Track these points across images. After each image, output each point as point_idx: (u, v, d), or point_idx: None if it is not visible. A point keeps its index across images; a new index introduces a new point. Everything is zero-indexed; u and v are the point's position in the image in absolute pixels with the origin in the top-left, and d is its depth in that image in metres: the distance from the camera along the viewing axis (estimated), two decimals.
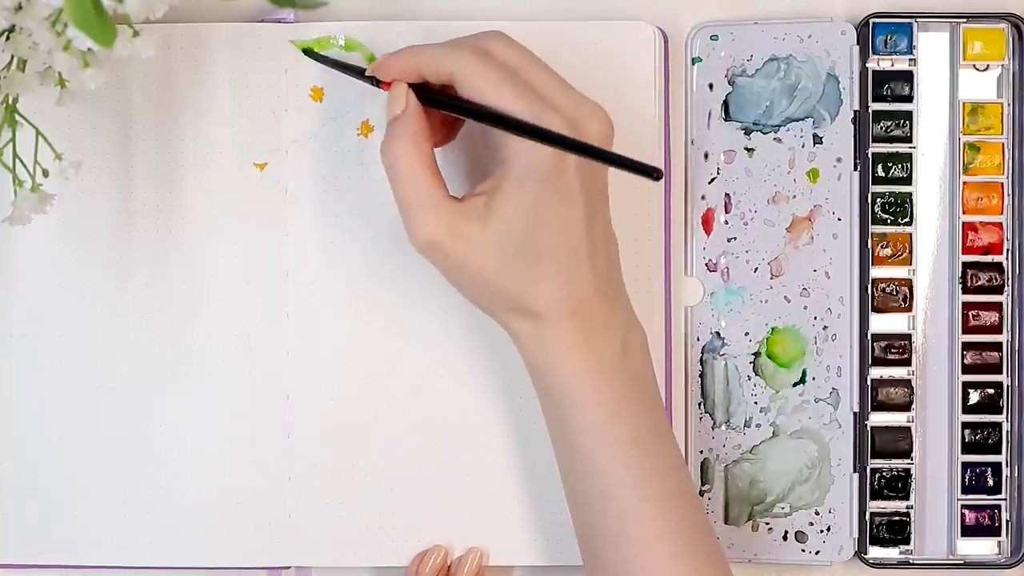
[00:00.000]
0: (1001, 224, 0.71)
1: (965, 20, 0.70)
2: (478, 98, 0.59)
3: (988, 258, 0.71)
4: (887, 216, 0.70)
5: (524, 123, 0.58)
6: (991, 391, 0.70)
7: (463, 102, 0.60)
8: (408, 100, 0.61)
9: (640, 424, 0.61)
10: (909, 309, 0.71)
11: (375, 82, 0.63)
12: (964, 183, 0.71)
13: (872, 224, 0.70)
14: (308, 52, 0.68)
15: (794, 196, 0.70)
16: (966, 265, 0.71)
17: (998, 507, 0.71)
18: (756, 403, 0.71)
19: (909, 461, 0.71)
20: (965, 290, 0.70)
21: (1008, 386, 0.71)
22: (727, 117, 0.70)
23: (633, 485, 0.60)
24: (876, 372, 0.71)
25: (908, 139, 0.70)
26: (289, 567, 0.70)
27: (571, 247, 0.60)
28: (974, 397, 0.71)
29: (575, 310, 0.60)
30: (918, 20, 0.70)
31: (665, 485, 0.61)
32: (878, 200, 0.70)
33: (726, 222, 0.70)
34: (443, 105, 0.61)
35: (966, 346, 0.71)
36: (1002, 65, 0.71)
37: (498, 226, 0.59)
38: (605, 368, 0.61)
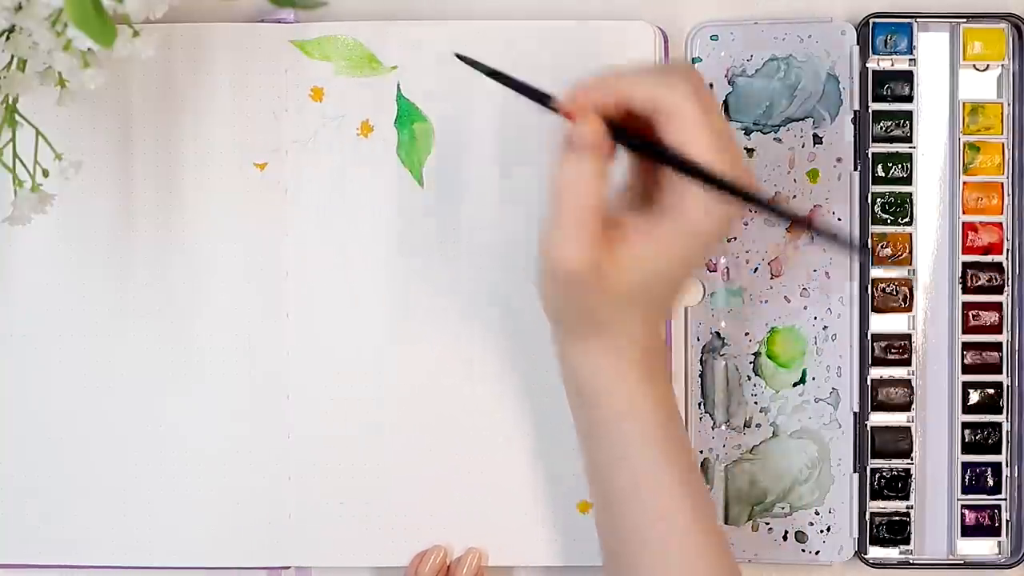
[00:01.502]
0: (1001, 224, 0.71)
1: (965, 20, 0.70)
2: (677, 141, 0.56)
3: (988, 258, 0.71)
4: (887, 216, 0.70)
5: (733, 185, 0.56)
6: (991, 391, 0.70)
7: (668, 153, 0.57)
8: (602, 137, 0.57)
9: (689, 452, 0.61)
10: (909, 309, 0.71)
11: (544, 103, 0.59)
12: (964, 183, 0.71)
13: (872, 224, 0.70)
14: (477, 65, 0.61)
15: (794, 196, 0.70)
16: (966, 265, 0.71)
17: (998, 507, 0.71)
18: (756, 403, 0.71)
19: (909, 461, 0.71)
20: (965, 290, 0.70)
21: (1008, 386, 0.71)
22: (727, 117, 0.70)
23: (685, 511, 0.60)
24: (876, 372, 0.71)
25: (908, 139, 0.70)
26: (289, 567, 0.70)
27: (675, 297, 0.61)
28: (974, 397, 0.71)
29: (651, 343, 0.60)
30: (918, 20, 0.70)
31: (710, 521, 0.60)
32: (878, 200, 0.70)
33: None
34: (640, 149, 0.58)
35: (966, 346, 0.71)
36: (1002, 65, 0.71)
37: (642, 273, 0.58)
38: (663, 391, 0.61)
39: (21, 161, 0.61)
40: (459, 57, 0.60)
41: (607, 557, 0.63)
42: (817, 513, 0.70)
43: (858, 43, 0.70)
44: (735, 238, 0.70)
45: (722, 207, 0.57)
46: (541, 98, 0.59)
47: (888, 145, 0.70)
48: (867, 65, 0.70)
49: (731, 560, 0.61)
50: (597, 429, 0.61)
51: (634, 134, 0.58)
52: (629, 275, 0.58)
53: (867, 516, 0.70)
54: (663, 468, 0.60)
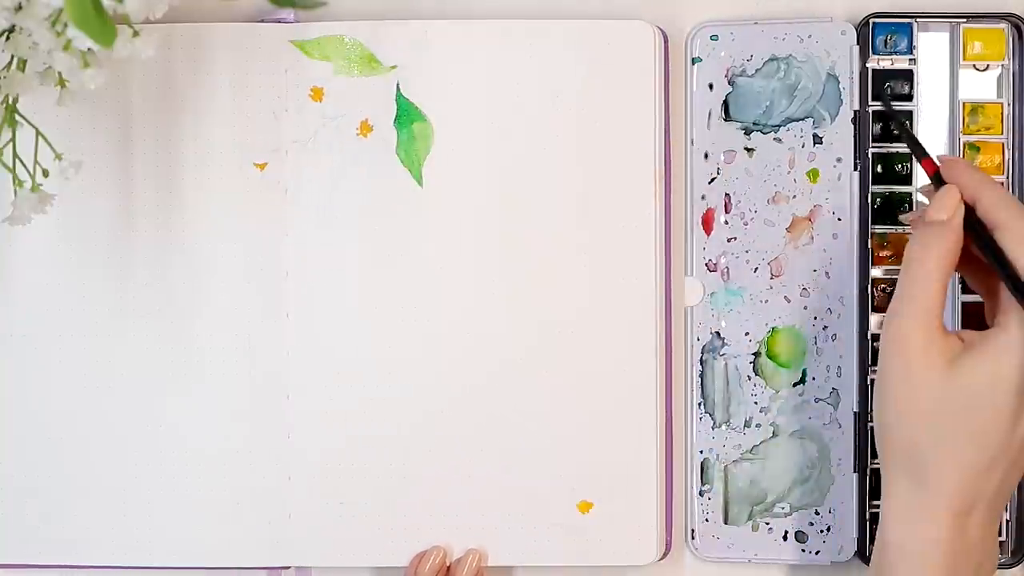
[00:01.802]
0: None
1: (965, 20, 0.70)
2: (1013, 253, 0.57)
3: None
4: (887, 216, 0.70)
5: None
6: None
7: (1002, 253, 0.57)
8: (958, 212, 0.58)
9: None
10: None
11: (921, 159, 0.60)
12: None
13: (872, 224, 0.70)
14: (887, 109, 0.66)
15: (794, 196, 0.70)
16: None
17: None
18: (756, 403, 0.71)
19: None
20: (965, 290, 0.70)
21: None
22: (727, 117, 0.70)
23: None
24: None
25: None
26: (289, 567, 0.70)
27: (1002, 442, 0.57)
28: None
29: (964, 509, 0.58)
30: (918, 20, 0.70)
31: None
32: (878, 200, 0.70)
33: (726, 222, 0.70)
34: (986, 246, 0.58)
35: None
36: (1002, 65, 0.71)
37: (958, 377, 0.57)
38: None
39: (21, 161, 0.61)
40: (900, 127, 0.63)
41: None
42: (817, 513, 0.70)
43: (858, 43, 0.70)
44: (735, 238, 0.70)
45: None
46: (920, 154, 0.60)
47: (888, 145, 0.70)
48: (867, 65, 0.70)
49: None
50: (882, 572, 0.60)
51: (985, 229, 0.58)
52: (955, 383, 0.57)
53: (867, 516, 0.70)
54: None
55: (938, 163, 0.60)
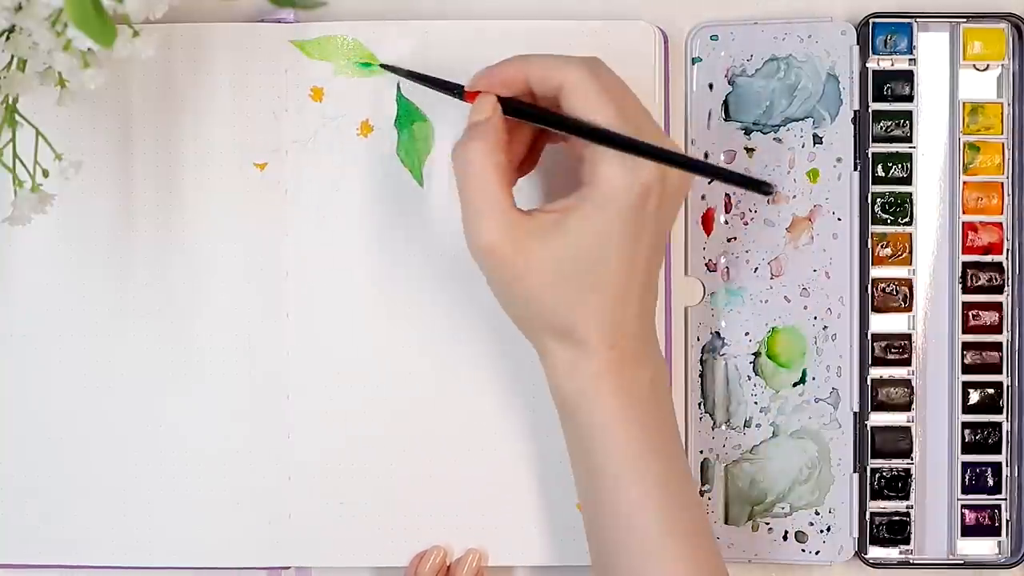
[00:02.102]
0: (1001, 224, 0.71)
1: (965, 20, 0.70)
2: (582, 113, 0.58)
3: (988, 258, 0.71)
4: (887, 216, 0.70)
5: (634, 140, 0.57)
6: (991, 391, 0.70)
7: (566, 116, 0.59)
8: (494, 110, 0.60)
9: (666, 461, 0.61)
10: (909, 309, 0.71)
11: (454, 93, 0.63)
12: (964, 183, 0.71)
13: (872, 224, 0.70)
14: (385, 67, 0.68)
15: (794, 196, 0.70)
16: (966, 265, 0.71)
17: (998, 507, 0.71)
18: (756, 403, 0.71)
19: (909, 461, 0.71)
20: (965, 290, 0.70)
21: (1008, 386, 0.71)
22: (727, 117, 0.70)
23: (658, 521, 0.60)
24: (876, 372, 0.71)
25: (908, 139, 0.70)
26: (289, 567, 0.70)
27: (628, 281, 0.60)
28: (974, 397, 0.71)
29: (616, 342, 0.60)
30: (918, 20, 0.70)
31: (688, 524, 0.61)
32: (878, 200, 0.70)
33: (726, 222, 0.70)
34: (540, 119, 0.61)
35: (966, 346, 0.71)
36: (1002, 65, 0.71)
37: (563, 245, 0.59)
38: (636, 402, 0.60)
39: (21, 161, 0.61)
40: (383, 66, 0.67)
41: (592, 555, 0.64)
42: (817, 513, 0.70)
43: (858, 43, 0.70)
44: (735, 238, 0.70)
45: (630, 170, 0.58)
46: (452, 89, 0.63)
47: (888, 145, 0.70)
48: (867, 65, 0.70)
49: (717, 561, 0.61)
50: (570, 438, 0.62)
51: (531, 105, 0.60)
52: (561, 253, 0.58)
53: (867, 516, 0.70)
54: (634, 483, 0.60)
55: (476, 87, 0.61)
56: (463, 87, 0.62)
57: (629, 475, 0.60)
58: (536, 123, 0.62)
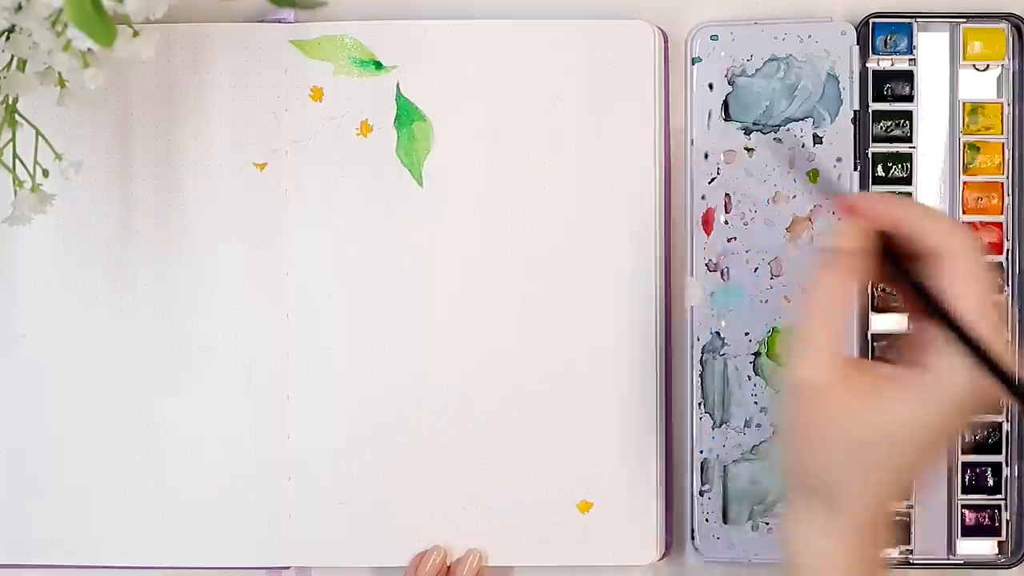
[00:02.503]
0: (1001, 224, 0.70)
1: (965, 20, 0.70)
2: (950, 287, 0.54)
3: (988, 258, 0.71)
4: None
5: (998, 367, 0.53)
6: None
7: (928, 288, 0.54)
8: (867, 242, 0.56)
9: None
10: None
11: (827, 195, 0.59)
12: (964, 183, 0.70)
13: None
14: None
15: (794, 196, 0.70)
16: None
17: (998, 507, 0.71)
18: (756, 403, 0.70)
19: None
20: None
21: None
22: (727, 117, 0.70)
23: None
24: None
25: (908, 139, 0.70)
26: (289, 567, 0.70)
27: (910, 473, 0.57)
28: None
29: (870, 526, 0.57)
30: (918, 20, 0.70)
31: None
32: None
33: (726, 222, 0.70)
34: (902, 278, 0.56)
35: None
36: (1002, 65, 0.70)
37: (876, 411, 0.55)
38: None
39: (21, 161, 0.61)
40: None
41: None
42: None
43: (858, 43, 0.70)
44: (735, 238, 0.70)
45: (972, 374, 0.54)
46: (831, 189, 0.60)
47: (888, 145, 0.70)
48: (867, 65, 0.70)
49: None
50: None
51: (901, 261, 0.56)
52: (874, 419, 0.55)
53: None
54: None
55: (848, 206, 0.57)
56: (838, 192, 0.58)
57: None
58: (896, 278, 0.57)
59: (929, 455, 0.57)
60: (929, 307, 0.54)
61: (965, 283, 0.54)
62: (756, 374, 0.70)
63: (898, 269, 0.56)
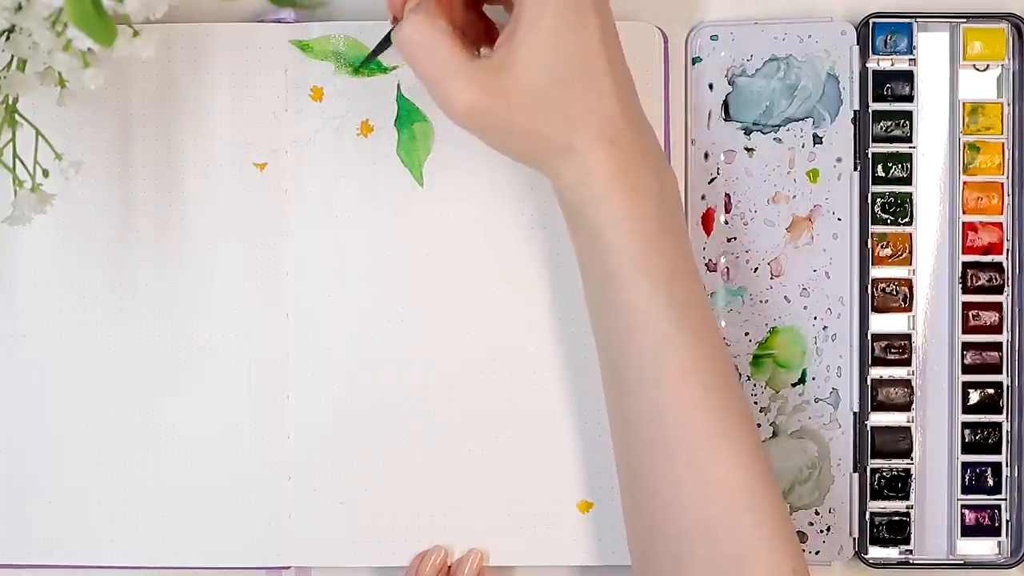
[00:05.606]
0: (1001, 224, 0.71)
1: (965, 20, 0.70)
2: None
3: (988, 258, 0.71)
4: (887, 216, 0.70)
5: None
6: (991, 391, 0.70)
7: None
8: None
9: (675, 257, 0.61)
10: (909, 309, 0.71)
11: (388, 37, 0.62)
12: (964, 183, 0.71)
13: (872, 224, 0.70)
14: (376, 52, 0.66)
15: (794, 196, 0.70)
16: (966, 265, 0.71)
17: (998, 507, 0.71)
18: (756, 403, 0.71)
19: (909, 461, 0.71)
20: (965, 290, 0.70)
21: (1008, 386, 0.71)
22: (727, 117, 0.70)
23: (668, 316, 0.60)
24: (876, 372, 0.71)
25: (908, 139, 0.70)
26: (289, 567, 0.70)
27: (594, 74, 0.60)
28: (974, 397, 0.71)
29: (612, 138, 0.59)
30: (918, 20, 0.70)
31: (698, 318, 0.60)
32: (878, 200, 0.70)
33: (726, 222, 0.70)
34: None
35: (966, 346, 0.71)
36: (1002, 65, 0.71)
37: (526, 67, 0.58)
38: (644, 202, 0.60)
39: (21, 161, 0.61)
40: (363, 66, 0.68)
41: (602, 366, 0.63)
42: (817, 513, 0.70)
43: (858, 43, 0.70)
44: (735, 238, 0.70)
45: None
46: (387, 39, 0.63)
47: (888, 145, 0.70)
48: (867, 65, 0.70)
49: (723, 354, 0.62)
50: (581, 250, 0.62)
51: None
52: (528, 74, 0.58)
53: (867, 516, 0.70)
54: (643, 276, 0.60)
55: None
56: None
57: (635, 273, 0.60)
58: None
59: (589, 47, 0.60)
60: None
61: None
62: (756, 374, 0.70)
63: None
